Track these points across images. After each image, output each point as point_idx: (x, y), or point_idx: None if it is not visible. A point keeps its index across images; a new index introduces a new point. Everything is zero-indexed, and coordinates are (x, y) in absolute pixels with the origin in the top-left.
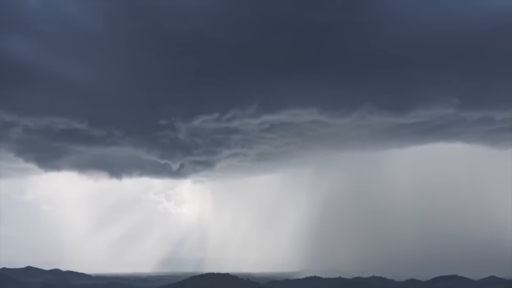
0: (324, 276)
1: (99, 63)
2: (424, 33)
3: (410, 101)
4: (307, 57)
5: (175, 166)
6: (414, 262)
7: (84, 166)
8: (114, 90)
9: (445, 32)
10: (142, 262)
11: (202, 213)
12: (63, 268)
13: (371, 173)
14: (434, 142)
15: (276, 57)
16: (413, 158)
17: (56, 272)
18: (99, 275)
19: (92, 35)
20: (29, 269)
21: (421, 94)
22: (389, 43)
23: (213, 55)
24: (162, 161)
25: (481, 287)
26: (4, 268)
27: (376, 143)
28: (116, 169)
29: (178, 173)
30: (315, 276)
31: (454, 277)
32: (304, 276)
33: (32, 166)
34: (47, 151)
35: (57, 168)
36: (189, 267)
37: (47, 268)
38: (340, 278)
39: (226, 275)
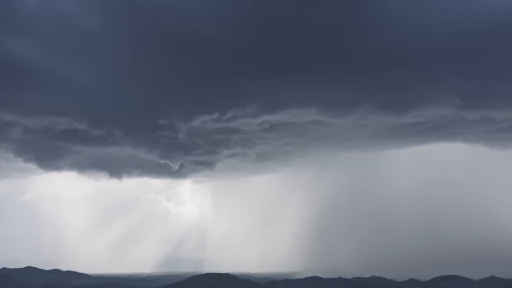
0: (324, 276)
1: (99, 63)
2: (424, 33)
3: (410, 101)
4: (307, 57)
5: (175, 166)
6: (414, 262)
7: (84, 166)
8: (114, 90)
9: (445, 32)
10: (142, 262)
11: (202, 213)
12: (63, 268)
13: (371, 173)
14: (434, 142)
15: (276, 57)
16: (413, 158)
17: (56, 272)
18: (99, 275)
19: (92, 35)
20: (29, 269)
21: (421, 94)
22: (389, 43)
23: (213, 55)
24: (162, 161)
25: (481, 287)
26: (4, 268)
27: (376, 143)
28: (116, 169)
29: (178, 173)
30: (315, 276)
31: (454, 277)
32: (304, 276)
33: (32, 166)
34: (47, 151)
35: (57, 168)
36: (189, 267)
37: (47, 268)
38: (340, 278)
39: (226, 275)
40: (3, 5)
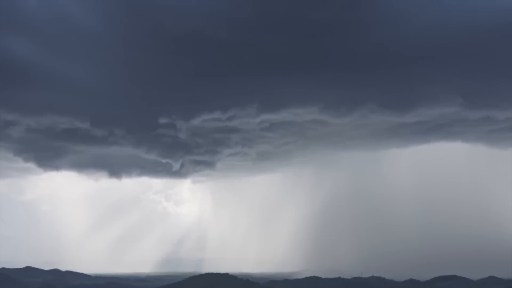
0: (323, 276)
1: (100, 62)
2: (426, 32)
3: (412, 100)
4: (307, 56)
5: (175, 166)
6: (413, 262)
7: (84, 165)
8: (114, 90)
9: (447, 31)
10: (141, 262)
11: (201, 213)
12: (63, 268)
13: (371, 172)
14: (434, 141)
15: (277, 56)
16: (413, 158)
17: (55, 272)
18: (98, 275)
19: (93, 34)
20: (28, 269)
21: (423, 93)
22: (391, 42)
23: (214, 54)
24: (163, 160)
25: (480, 287)
26: (3, 268)
27: (377, 142)
28: (115, 168)
29: (179, 173)
30: (314, 276)
31: (453, 277)
32: (303, 276)
33: (31, 165)
34: (46, 151)
35: (56, 167)
36: (188, 267)
37: (46, 268)
38: (339, 278)
39: (226, 275)
40: (4, 5)
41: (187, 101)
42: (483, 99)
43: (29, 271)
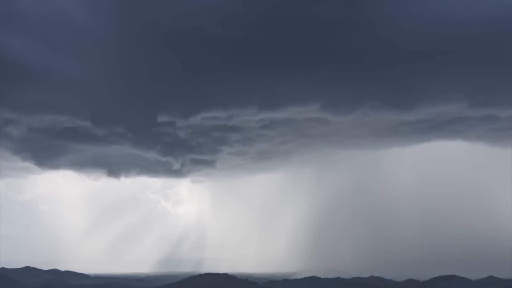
0: (322, 276)
1: (99, 60)
2: (428, 30)
3: (413, 98)
4: (308, 54)
5: (175, 165)
6: (413, 262)
7: (83, 165)
8: (114, 88)
9: (449, 29)
10: (140, 262)
11: (200, 213)
12: (62, 268)
13: (372, 171)
14: (435, 140)
15: (277, 54)
16: (413, 156)
17: (54, 272)
18: (97, 275)
19: (94, 32)
20: (27, 269)
21: (425, 91)
22: (393, 40)
23: (213, 52)
24: (164, 159)
25: (479, 287)
26: (2, 268)
27: (377, 141)
28: (114, 168)
29: (179, 172)
30: (313, 276)
31: (453, 277)
32: (302, 276)
33: (29, 165)
34: (45, 150)
35: (55, 167)
36: (187, 267)
37: (45, 268)
38: (338, 278)
39: (225, 275)
40: (4, 3)
41: (186, 99)
42: (487, 97)
43: (28, 271)
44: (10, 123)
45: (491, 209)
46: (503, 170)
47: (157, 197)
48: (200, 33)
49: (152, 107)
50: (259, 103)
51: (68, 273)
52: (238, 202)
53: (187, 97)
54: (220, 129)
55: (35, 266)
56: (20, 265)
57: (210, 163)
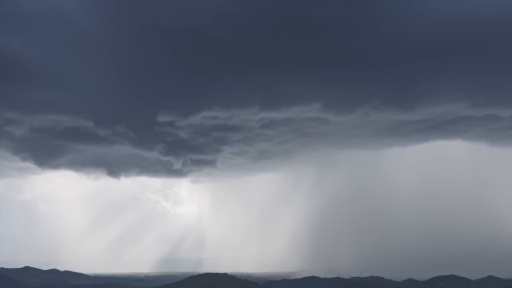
0: (322, 276)
1: (100, 60)
2: (428, 30)
3: (414, 98)
4: (308, 53)
5: (176, 164)
6: (412, 261)
7: (82, 165)
8: (115, 88)
9: (450, 29)
10: (140, 262)
11: (200, 213)
12: (61, 268)
13: (372, 171)
14: (435, 140)
15: (277, 54)
16: (415, 156)
17: (54, 272)
18: (97, 275)
19: (95, 33)
20: (27, 269)
21: (426, 91)
22: (393, 40)
23: (214, 51)
24: (166, 158)
25: (479, 287)
26: (2, 268)
27: (378, 141)
28: (114, 168)
29: (179, 172)
30: (313, 276)
31: (452, 277)
32: (302, 276)
33: (29, 165)
34: (45, 150)
35: (55, 167)
36: (187, 267)
37: (45, 268)
38: (338, 278)
39: (224, 275)
40: (6, 3)
41: (187, 98)
42: (488, 97)
43: (28, 271)
44: (11, 123)
45: (491, 209)
46: (503, 170)
47: (157, 197)
48: (201, 33)
49: (153, 107)
50: (260, 102)
51: (68, 273)
52: (237, 202)
53: (188, 96)
54: (220, 128)
55: (34, 266)
56: (19, 265)
57: (211, 163)
